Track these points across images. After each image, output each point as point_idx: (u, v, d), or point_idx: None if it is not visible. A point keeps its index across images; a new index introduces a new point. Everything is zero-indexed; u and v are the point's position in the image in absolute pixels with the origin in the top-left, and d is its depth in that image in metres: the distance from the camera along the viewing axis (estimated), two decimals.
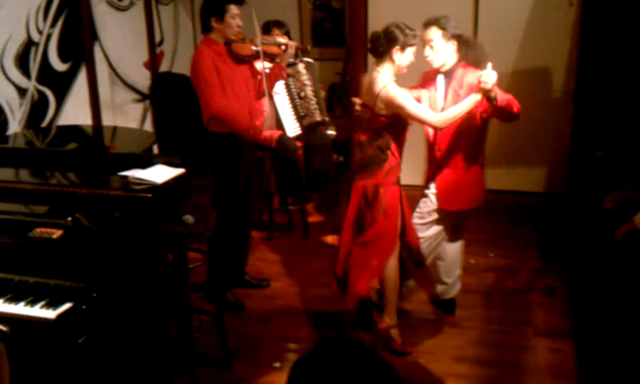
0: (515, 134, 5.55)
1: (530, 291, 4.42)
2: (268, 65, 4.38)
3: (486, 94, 3.44)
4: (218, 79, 4.03)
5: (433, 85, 3.77)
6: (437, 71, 3.74)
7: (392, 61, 3.63)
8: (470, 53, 3.70)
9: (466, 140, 3.71)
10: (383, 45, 3.62)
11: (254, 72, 4.33)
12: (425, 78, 3.87)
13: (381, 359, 1.44)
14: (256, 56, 4.18)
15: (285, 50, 4.40)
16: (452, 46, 3.66)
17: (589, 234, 4.31)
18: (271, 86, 4.50)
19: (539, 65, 5.54)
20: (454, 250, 4.01)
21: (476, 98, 3.49)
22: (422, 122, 3.64)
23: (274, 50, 4.37)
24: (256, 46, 4.15)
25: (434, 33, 3.64)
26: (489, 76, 3.39)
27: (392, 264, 3.75)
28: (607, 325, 3.65)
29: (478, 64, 3.59)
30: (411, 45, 3.61)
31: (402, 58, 3.62)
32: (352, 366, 1.41)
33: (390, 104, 3.58)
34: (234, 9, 4.07)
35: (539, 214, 5.43)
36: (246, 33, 4.19)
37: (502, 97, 3.51)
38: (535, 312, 4.18)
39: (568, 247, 4.74)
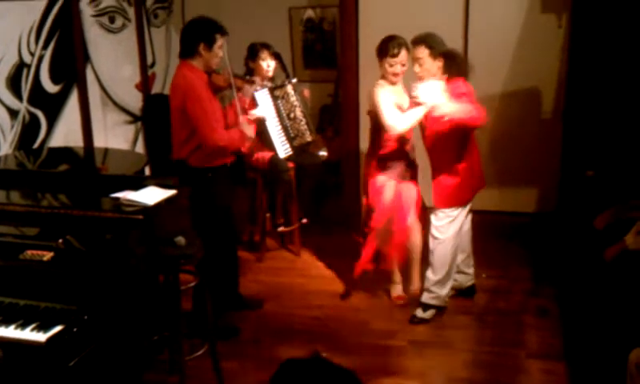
0: (505, 154, 5.58)
1: (523, 312, 4.41)
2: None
3: (431, 107, 3.82)
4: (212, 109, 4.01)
5: None
6: None
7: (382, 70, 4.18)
8: (454, 67, 3.96)
9: (447, 150, 4.03)
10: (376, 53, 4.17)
11: (225, 105, 4.37)
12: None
13: (353, 380, 1.45)
14: (228, 88, 4.21)
15: (251, 83, 4.48)
16: (439, 63, 3.94)
17: (580, 255, 4.32)
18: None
19: (529, 86, 5.58)
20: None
21: (421, 110, 3.91)
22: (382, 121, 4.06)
23: (240, 83, 4.40)
24: (229, 78, 4.17)
25: (422, 51, 3.95)
26: (423, 90, 3.79)
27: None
28: (599, 345, 3.65)
29: (463, 76, 4.00)
30: (391, 56, 4.07)
31: (385, 68, 4.12)
32: None
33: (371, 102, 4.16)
34: (220, 40, 4.01)
35: (530, 234, 5.44)
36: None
37: (453, 112, 3.75)
38: (528, 333, 4.18)
39: (560, 267, 4.75)
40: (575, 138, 5.14)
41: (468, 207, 4.22)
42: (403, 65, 4.11)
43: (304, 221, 5.54)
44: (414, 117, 3.98)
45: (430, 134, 4.05)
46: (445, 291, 4.26)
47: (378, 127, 4.21)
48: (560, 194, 5.49)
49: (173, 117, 4.08)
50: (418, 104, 3.90)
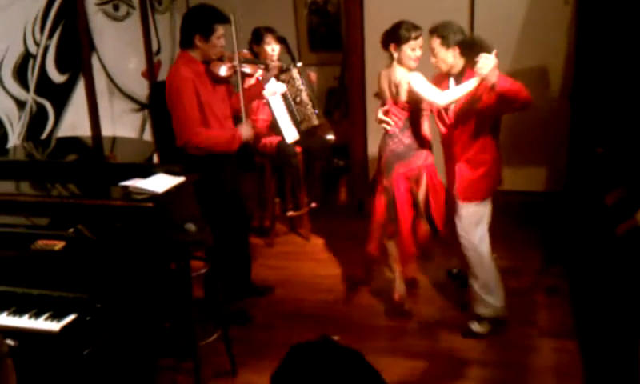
0: (514, 133, 5.54)
1: (534, 291, 4.41)
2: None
3: (484, 80, 3.55)
4: (199, 107, 3.91)
5: (445, 87, 3.86)
6: (447, 74, 3.88)
7: (395, 56, 3.95)
8: (473, 55, 3.65)
9: (479, 133, 3.83)
10: (386, 41, 3.98)
11: (231, 91, 4.24)
12: (436, 79, 3.94)
13: (359, 360, 1.45)
14: (234, 76, 4.11)
15: (266, 70, 4.42)
16: (452, 52, 3.78)
17: (590, 232, 4.30)
18: (248, 105, 4.43)
19: (536, 64, 5.53)
20: None
21: (474, 82, 3.65)
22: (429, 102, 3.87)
23: (252, 68, 4.33)
24: (235, 64, 4.06)
25: (435, 41, 3.81)
26: (485, 62, 3.48)
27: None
28: (611, 322, 3.65)
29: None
30: (414, 39, 3.87)
31: (400, 54, 3.91)
32: (327, 371, 1.42)
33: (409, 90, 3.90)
34: (220, 29, 3.93)
35: (540, 213, 5.42)
36: (226, 48, 4.09)
37: (504, 84, 3.56)
38: (539, 312, 4.18)
39: (570, 246, 4.73)
40: (584, 115, 5.11)
41: (489, 203, 3.97)
42: (421, 47, 3.94)
43: (313, 205, 5.55)
44: (465, 88, 3.72)
45: (463, 114, 3.82)
46: (496, 300, 3.93)
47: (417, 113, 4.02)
48: (569, 173, 5.46)
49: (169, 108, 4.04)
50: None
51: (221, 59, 4.05)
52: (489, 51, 3.54)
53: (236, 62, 4.08)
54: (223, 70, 4.03)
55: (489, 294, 3.92)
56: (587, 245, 4.34)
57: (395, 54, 3.94)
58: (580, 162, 5.09)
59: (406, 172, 4.03)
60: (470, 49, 3.72)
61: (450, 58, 3.78)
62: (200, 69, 3.97)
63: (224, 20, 3.96)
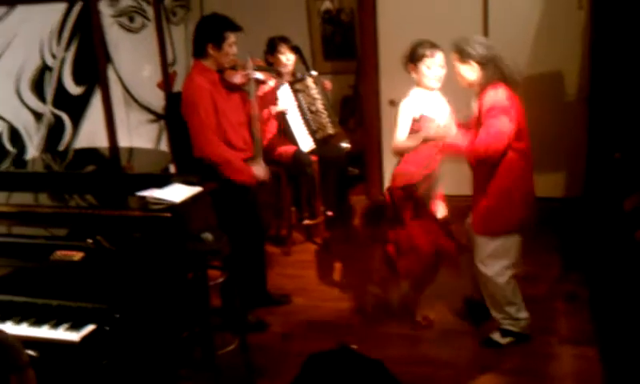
0: (531, 139, 5.52)
1: (553, 298, 4.38)
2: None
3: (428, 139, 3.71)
4: (215, 116, 3.94)
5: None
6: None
7: (414, 77, 3.92)
8: (489, 72, 3.59)
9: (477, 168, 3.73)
10: (405, 63, 3.95)
11: (245, 98, 4.25)
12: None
13: (378, 367, 1.44)
14: (247, 83, 4.13)
15: (279, 77, 4.45)
16: (469, 66, 3.64)
17: (609, 238, 4.27)
18: (261, 111, 4.46)
19: (551, 69, 5.51)
20: None
21: (417, 139, 3.76)
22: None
23: (265, 76, 4.35)
24: (248, 72, 4.09)
25: (453, 56, 3.71)
26: (428, 126, 3.68)
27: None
28: (631, 329, 3.61)
29: (504, 81, 3.58)
30: (420, 60, 3.83)
31: (418, 74, 3.88)
32: (346, 379, 1.41)
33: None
34: (232, 37, 3.97)
35: (558, 219, 5.38)
36: (239, 56, 4.13)
37: (451, 145, 3.68)
38: (559, 319, 4.14)
39: (589, 252, 4.70)
40: (601, 119, 5.08)
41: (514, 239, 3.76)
42: (442, 67, 3.86)
43: (329, 213, 5.54)
44: (408, 144, 3.82)
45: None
46: (520, 314, 3.84)
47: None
48: (587, 178, 5.43)
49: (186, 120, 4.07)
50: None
51: (234, 67, 4.08)
52: (506, 71, 3.53)
53: (249, 70, 4.10)
54: (237, 78, 4.07)
55: (512, 308, 3.83)
56: (606, 250, 4.31)
57: (414, 75, 3.90)
58: (598, 167, 5.06)
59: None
60: (486, 65, 3.59)
61: (468, 72, 3.63)
62: (214, 77, 4.00)
63: (235, 28, 4.00)
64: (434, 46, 3.85)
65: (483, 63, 3.59)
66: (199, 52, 4.02)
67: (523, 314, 3.86)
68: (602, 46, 5.02)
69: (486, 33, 5.44)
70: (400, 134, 3.87)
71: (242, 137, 4.15)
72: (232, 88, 4.09)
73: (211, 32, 3.97)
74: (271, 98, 4.62)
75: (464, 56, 3.63)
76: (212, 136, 3.93)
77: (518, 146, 3.61)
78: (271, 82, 4.62)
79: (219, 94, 4.00)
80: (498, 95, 3.52)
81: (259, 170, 4.18)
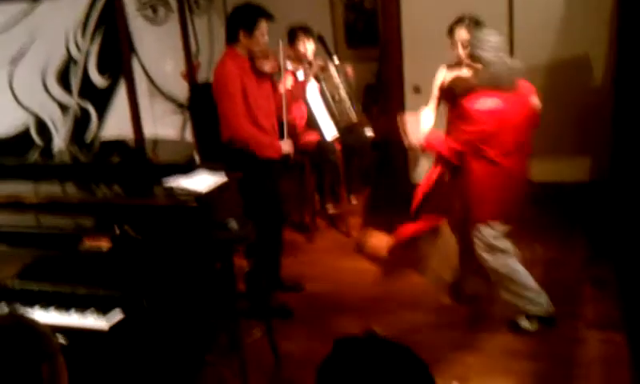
0: (557, 124, 5.46)
1: (580, 283, 4.34)
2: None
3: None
4: (244, 98, 4.00)
5: None
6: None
7: None
8: (489, 77, 3.59)
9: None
10: None
11: (275, 87, 4.33)
12: None
13: (407, 353, 1.44)
14: (277, 72, 4.20)
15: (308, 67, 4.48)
16: (474, 66, 3.68)
17: (636, 223, 4.22)
18: (291, 102, 4.56)
19: (578, 53, 5.45)
20: None
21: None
22: None
23: (295, 66, 4.40)
24: (279, 62, 4.17)
25: (464, 51, 3.92)
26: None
27: None
28: None
29: (497, 88, 3.57)
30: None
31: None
32: (374, 365, 1.41)
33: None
34: (264, 25, 4.03)
35: (585, 203, 5.34)
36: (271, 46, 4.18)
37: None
38: (585, 304, 4.11)
39: (616, 237, 4.65)
40: (627, 104, 5.02)
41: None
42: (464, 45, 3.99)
43: (353, 201, 5.55)
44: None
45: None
46: (541, 298, 3.84)
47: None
48: (613, 162, 5.36)
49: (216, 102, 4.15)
50: None
51: (265, 56, 4.12)
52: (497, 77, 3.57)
53: (280, 59, 4.14)
54: (267, 66, 4.13)
55: (529, 292, 3.83)
56: (634, 236, 4.26)
57: None
58: (625, 151, 5.00)
59: None
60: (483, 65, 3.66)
61: (471, 70, 3.76)
62: (245, 64, 4.07)
63: (268, 16, 4.05)
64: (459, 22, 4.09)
65: (485, 65, 3.59)
66: (231, 38, 4.09)
67: (544, 299, 3.86)
68: (629, 31, 4.94)
69: (511, 17, 5.38)
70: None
71: (270, 122, 4.23)
72: (262, 75, 4.16)
73: (244, 19, 4.04)
74: (301, 90, 4.65)
75: (474, 59, 3.64)
76: (240, 114, 4.01)
77: (487, 153, 3.60)
78: (300, 74, 4.66)
79: (249, 80, 4.07)
80: (483, 104, 3.54)
81: (285, 144, 4.27)
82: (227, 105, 4.00)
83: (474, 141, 3.57)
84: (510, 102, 3.56)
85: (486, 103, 3.53)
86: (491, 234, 3.75)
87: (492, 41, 3.60)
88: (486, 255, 3.80)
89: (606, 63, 5.39)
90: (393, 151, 5.99)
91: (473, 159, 3.64)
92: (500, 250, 3.77)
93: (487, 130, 3.54)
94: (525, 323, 3.88)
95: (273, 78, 4.29)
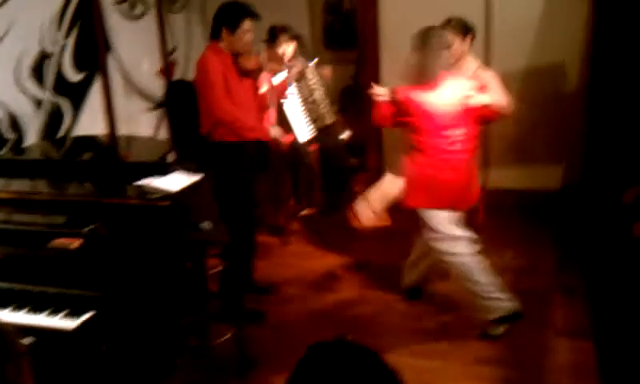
0: (529, 130, 5.52)
1: (549, 291, 4.38)
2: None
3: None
4: (224, 83, 4.00)
5: None
6: None
7: None
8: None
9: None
10: None
11: (256, 87, 4.32)
12: None
13: (374, 359, 1.44)
14: (260, 71, 4.19)
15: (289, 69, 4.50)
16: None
17: (607, 231, 4.27)
18: (274, 101, 4.57)
19: (553, 60, 5.50)
20: None
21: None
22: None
23: (278, 67, 4.40)
24: (261, 61, 4.17)
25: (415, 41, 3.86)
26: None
27: None
28: (627, 323, 3.62)
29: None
30: None
31: None
32: (345, 371, 1.41)
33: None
34: (247, 24, 4.02)
35: (555, 211, 5.39)
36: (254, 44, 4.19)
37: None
38: (555, 312, 4.15)
39: (586, 245, 4.70)
40: (600, 111, 5.08)
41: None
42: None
43: (325, 204, 5.55)
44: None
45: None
46: (504, 294, 3.83)
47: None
48: (585, 168, 5.42)
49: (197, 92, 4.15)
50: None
51: (248, 54, 4.13)
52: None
53: (262, 59, 4.14)
54: (249, 64, 4.12)
55: (490, 294, 3.83)
56: (604, 244, 4.31)
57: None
58: (596, 158, 5.06)
59: None
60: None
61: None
62: (228, 60, 4.06)
63: (252, 15, 4.04)
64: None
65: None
66: (215, 34, 4.09)
67: (507, 295, 3.85)
68: (604, 38, 5.01)
69: (488, 22, 5.42)
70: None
71: (252, 118, 4.20)
72: (244, 74, 4.14)
73: (227, 17, 4.04)
74: (283, 89, 4.64)
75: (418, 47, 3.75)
76: (223, 98, 3.99)
77: (415, 138, 3.79)
78: (276, 78, 4.65)
79: (232, 77, 4.06)
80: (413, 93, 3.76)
81: (274, 130, 4.40)
82: (209, 92, 3.98)
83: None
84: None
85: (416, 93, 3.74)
86: (433, 218, 3.79)
87: (439, 32, 3.77)
88: (434, 243, 3.85)
89: (581, 70, 5.45)
90: (369, 153, 6.01)
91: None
92: (450, 237, 3.80)
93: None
94: (493, 330, 3.90)
95: (254, 78, 4.27)
